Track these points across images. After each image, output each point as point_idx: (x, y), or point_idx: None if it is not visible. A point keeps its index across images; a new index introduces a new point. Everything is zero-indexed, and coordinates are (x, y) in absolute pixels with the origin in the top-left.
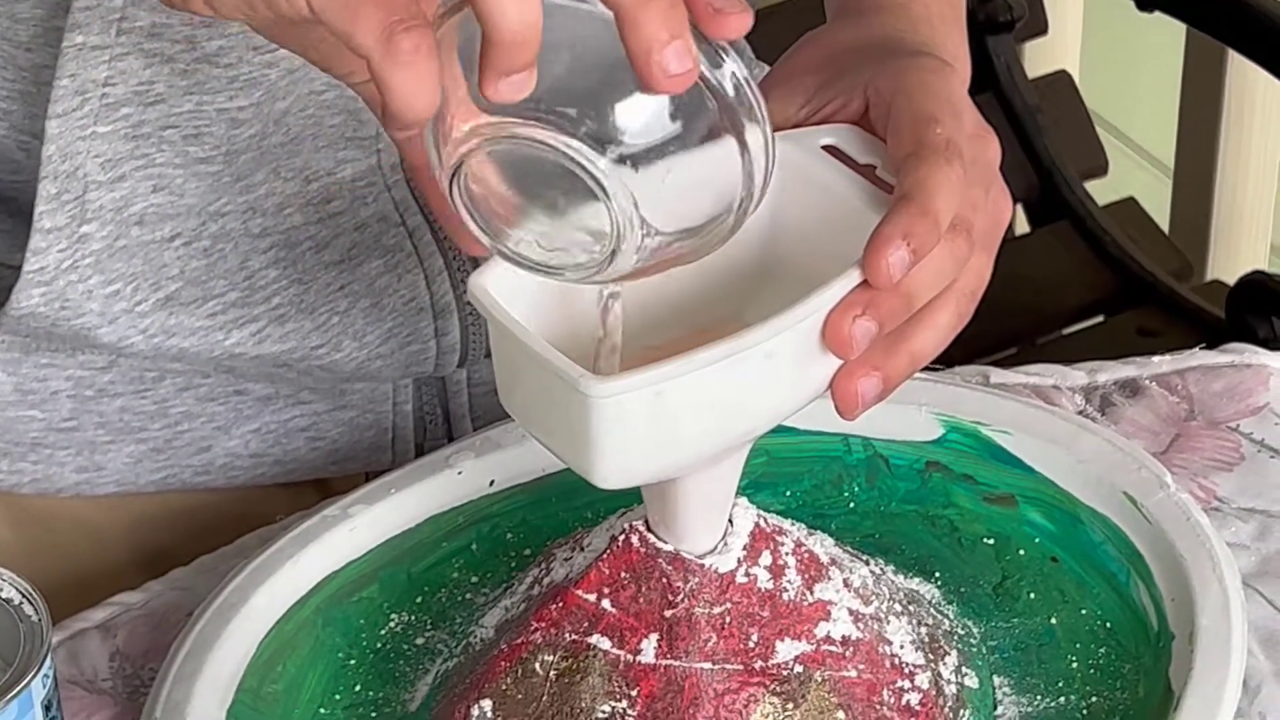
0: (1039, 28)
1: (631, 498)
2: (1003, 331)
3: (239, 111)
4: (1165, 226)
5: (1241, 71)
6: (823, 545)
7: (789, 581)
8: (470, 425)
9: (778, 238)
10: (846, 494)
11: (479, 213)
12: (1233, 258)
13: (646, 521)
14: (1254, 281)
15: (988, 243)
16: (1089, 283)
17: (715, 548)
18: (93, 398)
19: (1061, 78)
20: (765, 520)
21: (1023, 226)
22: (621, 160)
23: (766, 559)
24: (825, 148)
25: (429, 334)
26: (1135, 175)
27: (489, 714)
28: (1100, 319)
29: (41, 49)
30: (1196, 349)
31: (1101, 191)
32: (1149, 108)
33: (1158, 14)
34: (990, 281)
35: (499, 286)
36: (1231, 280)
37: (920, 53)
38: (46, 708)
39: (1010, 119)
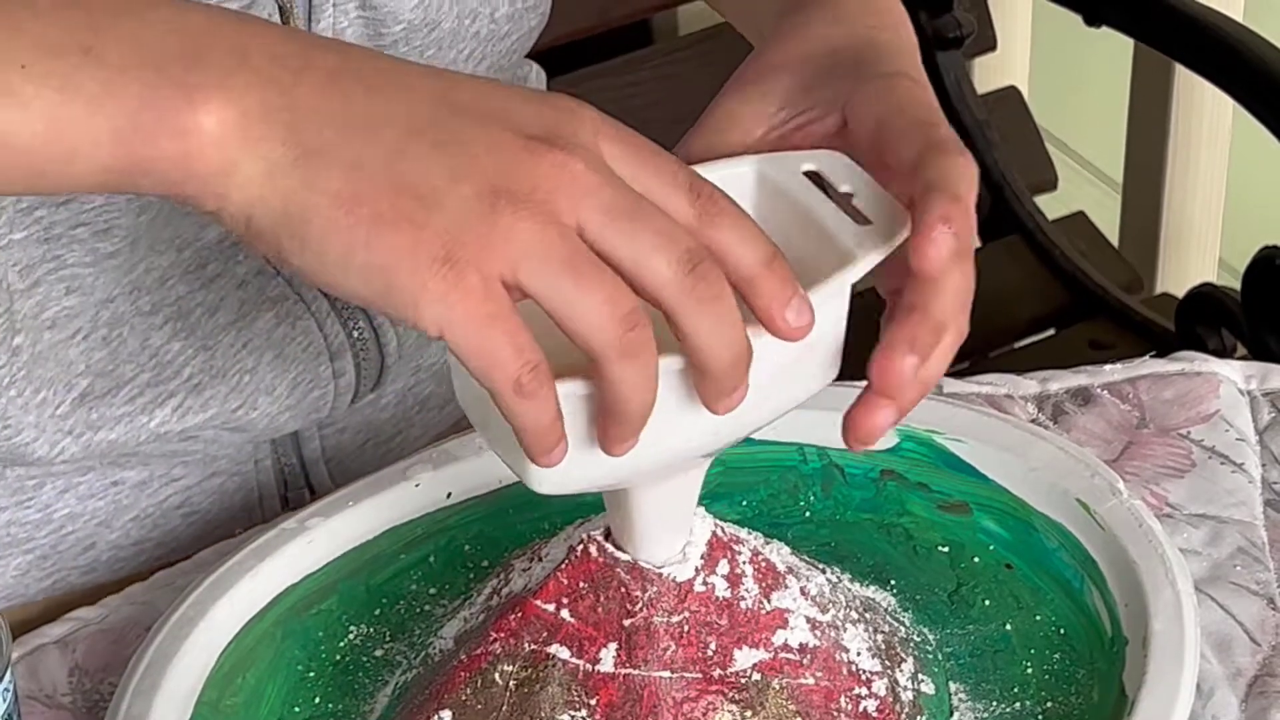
0: (988, 44)
1: (587, 509)
2: None
3: (142, 196)
4: (1115, 241)
5: (1189, 86)
6: (779, 554)
7: (746, 590)
8: (325, 469)
9: None
10: (802, 503)
11: None
12: (1182, 271)
13: (605, 531)
14: (1203, 294)
15: None
16: (1040, 296)
17: (674, 557)
18: None
19: (1010, 93)
20: (722, 529)
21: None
22: None
23: (724, 568)
24: (806, 173)
25: (328, 376)
26: (1084, 191)
27: None
28: (1051, 332)
29: None
30: (1147, 357)
31: (1051, 207)
32: (1097, 123)
33: (1105, 29)
34: None
35: None
36: (1181, 293)
37: (896, 74)
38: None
39: (960, 134)
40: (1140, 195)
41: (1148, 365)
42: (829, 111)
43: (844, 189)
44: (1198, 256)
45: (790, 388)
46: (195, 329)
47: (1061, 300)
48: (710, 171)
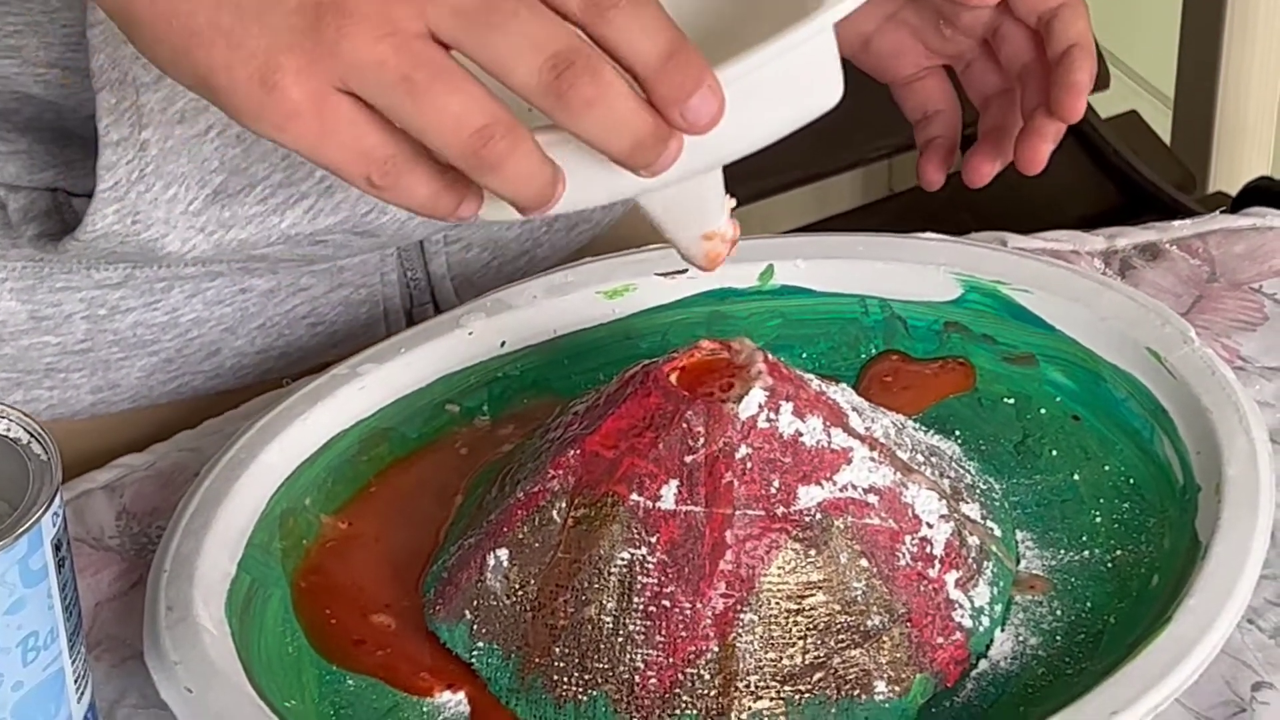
0: None
1: (643, 356)
2: None
3: None
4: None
5: None
6: (844, 395)
7: (811, 427)
8: (450, 286)
9: None
10: (864, 356)
11: None
12: (1234, 171)
13: (664, 369)
14: (1259, 188)
15: None
16: (1092, 196)
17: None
18: (106, 316)
19: None
20: (786, 367)
21: None
22: None
23: (788, 405)
24: None
25: None
26: (1134, 102)
27: (505, 563)
28: None
29: None
30: (1217, 212)
31: (1103, 106)
32: (1148, 32)
33: None
34: (992, 195)
35: None
36: (1234, 192)
37: None
38: (56, 547)
39: None
40: (1192, 100)
41: (1218, 220)
42: None
43: None
44: (1250, 155)
45: (767, 115)
46: None
47: (1114, 199)
48: None
